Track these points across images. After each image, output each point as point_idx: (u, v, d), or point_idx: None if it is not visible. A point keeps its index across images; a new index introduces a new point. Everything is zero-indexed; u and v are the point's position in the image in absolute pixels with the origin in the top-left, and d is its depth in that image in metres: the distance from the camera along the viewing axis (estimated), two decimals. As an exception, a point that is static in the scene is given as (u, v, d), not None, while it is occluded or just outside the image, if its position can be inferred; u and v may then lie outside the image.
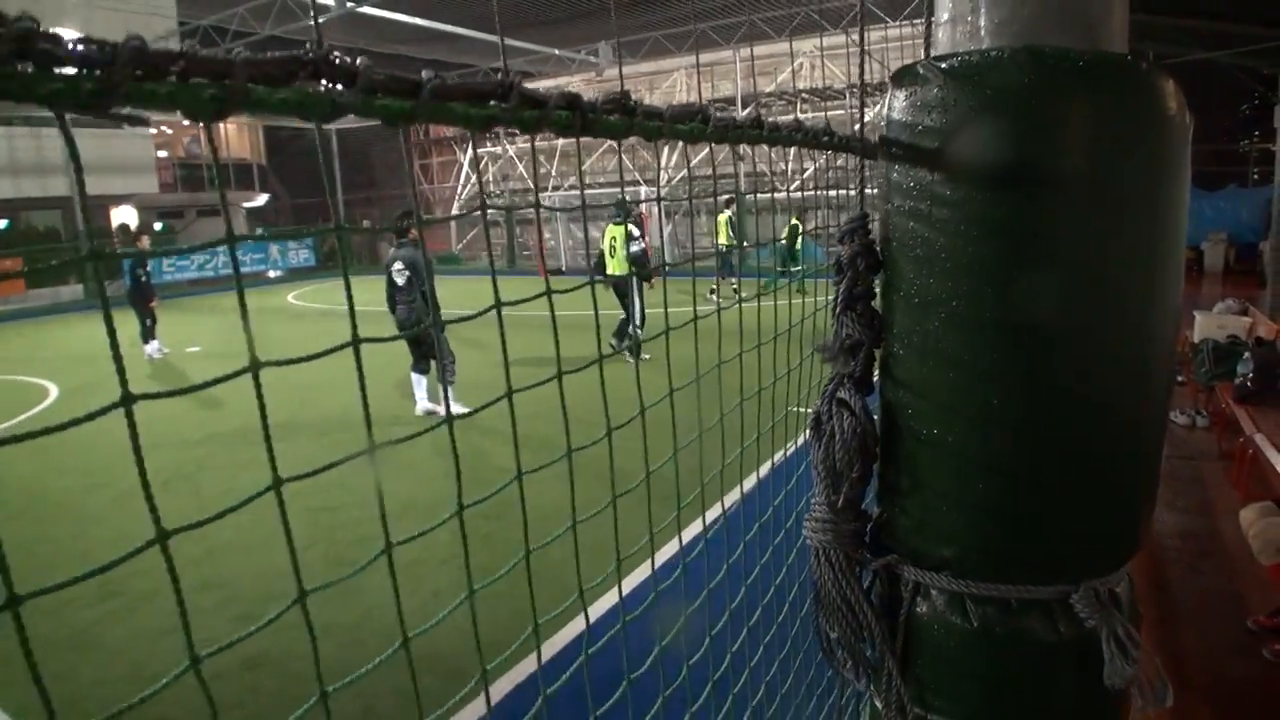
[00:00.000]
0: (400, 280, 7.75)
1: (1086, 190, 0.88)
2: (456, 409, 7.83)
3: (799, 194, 20.30)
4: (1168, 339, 0.97)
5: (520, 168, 28.92)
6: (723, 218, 15.15)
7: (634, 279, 9.37)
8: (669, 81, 26.04)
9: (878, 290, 1.07)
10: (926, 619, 1.03)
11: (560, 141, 27.60)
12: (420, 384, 8.04)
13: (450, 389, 7.82)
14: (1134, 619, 1.02)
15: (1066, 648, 0.98)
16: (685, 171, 25.19)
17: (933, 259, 0.94)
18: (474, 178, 30.34)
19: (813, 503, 1.08)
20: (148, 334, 12.20)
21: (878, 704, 1.11)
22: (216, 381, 0.68)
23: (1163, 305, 0.94)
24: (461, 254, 30.76)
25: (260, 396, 0.68)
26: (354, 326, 0.75)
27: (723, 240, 14.49)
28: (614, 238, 10.13)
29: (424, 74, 0.58)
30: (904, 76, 0.97)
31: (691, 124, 0.98)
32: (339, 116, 0.55)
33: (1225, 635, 3.62)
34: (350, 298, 0.75)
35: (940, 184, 0.92)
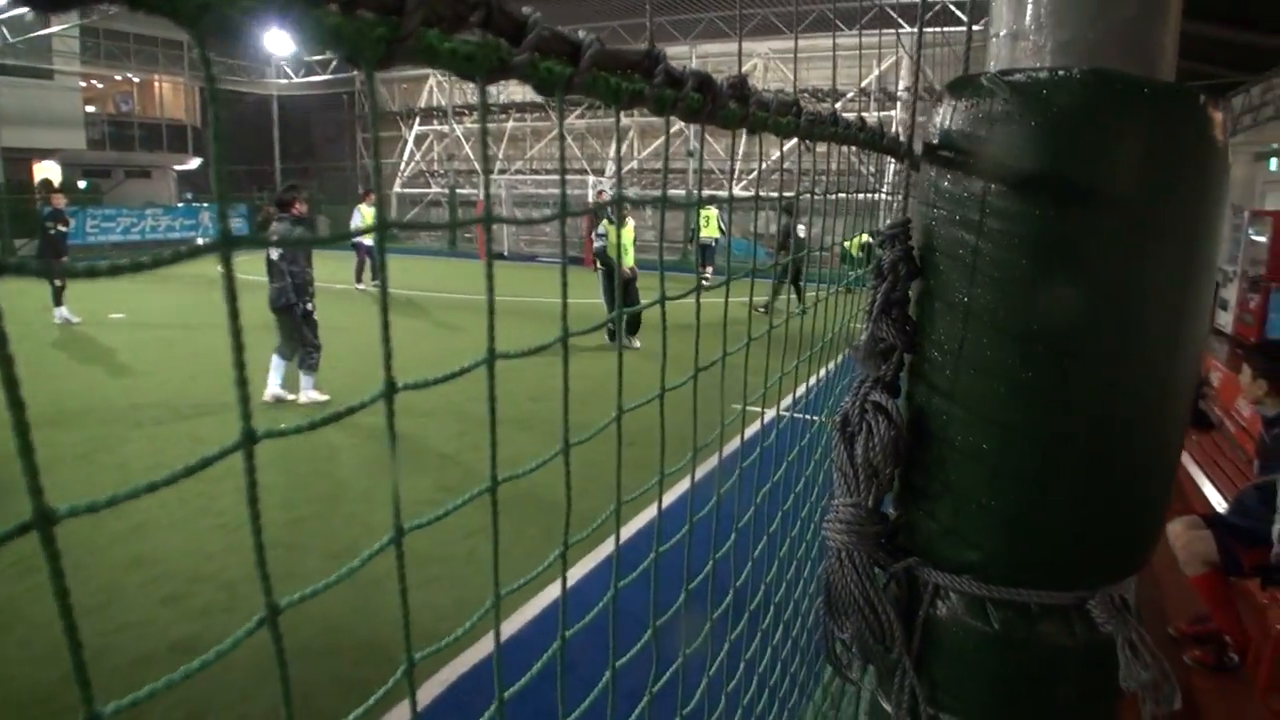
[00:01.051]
0: (274, 256, 7.25)
1: (1135, 215, 0.91)
2: (314, 396, 7.62)
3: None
4: (1193, 362, 1.01)
5: (466, 148, 28.51)
6: (713, 211, 15.30)
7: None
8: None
9: (912, 295, 1.08)
10: (945, 621, 1.05)
11: (509, 124, 27.31)
12: (279, 368, 7.64)
13: (309, 377, 7.56)
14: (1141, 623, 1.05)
15: (1080, 652, 1.01)
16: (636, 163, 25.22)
17: (978, 269, 0.96)
18: (417, 154, 29.80)
19: (835, 504, 1.09)
20: (57, 296, 11.47)
21: (885, 705, 1.13)
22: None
23: (1192, 331, 0.98)
24: (401, 234, 30.22)
25: (241, 366, 0.65)
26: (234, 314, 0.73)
27: (714, 233, 14.55)
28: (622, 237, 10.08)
29: (582, 36, 0.55)
30: (964, 87, 0.99)
31: (787, 118, 0.97)
32: (502, 78, 0.50)
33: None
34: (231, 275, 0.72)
35: (994, 196, 0.94)
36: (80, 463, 5.93)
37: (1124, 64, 0.92)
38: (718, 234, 16.18)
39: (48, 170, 23.74)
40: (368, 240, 18.99)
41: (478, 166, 27.58)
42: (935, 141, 1.01)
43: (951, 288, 1.00)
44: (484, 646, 3.72)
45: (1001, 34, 1.00)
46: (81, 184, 24.84)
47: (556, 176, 24.00)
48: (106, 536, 4.75)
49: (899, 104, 22.49)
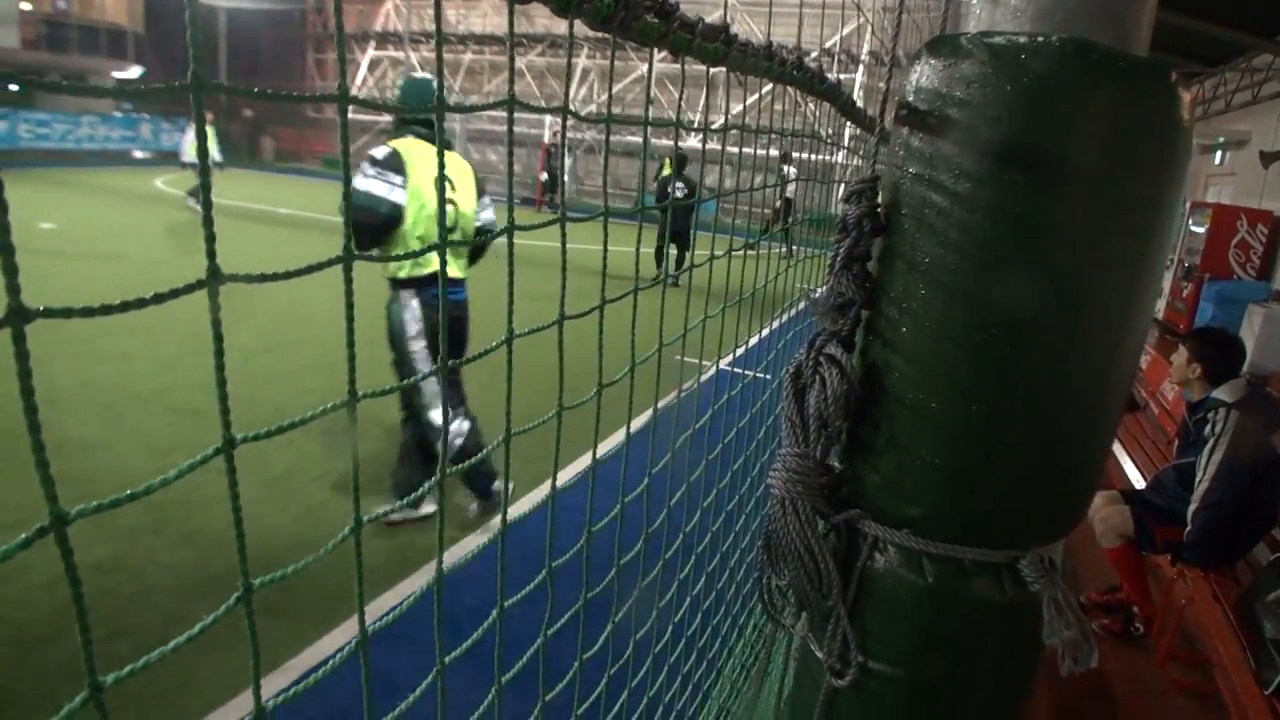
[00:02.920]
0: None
1: (1100, 187, 0.92)
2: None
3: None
4: (1139, 337, 1.03)
5: (423, 74, 27.71)
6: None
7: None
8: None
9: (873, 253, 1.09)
10: (881, 573, 1.08)
11: (467, 57, 26.62)
12: None
13: None
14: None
15: (1008, 608, 1.05)
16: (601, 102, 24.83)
17: (941, 230, 0.97)
18: (370, 80, 28.93)
19: (781, 453, 1.10)
20: None
21: (816, 651, 1.16)
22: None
23: (1140, 307, 1.00)
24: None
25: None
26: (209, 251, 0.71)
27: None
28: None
29: None
30: (942, 46, 0.98)
31: (715, 44, 0.97)
32: None
33: (1060, 608, 3.96)
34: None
35: (963, 158, 0.94)
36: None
37: (1101, 36, 0.92)
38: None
39: (-25, 67, 22.47)
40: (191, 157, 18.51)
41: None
42: (909, 99, 1.01)
43: (914, 247, 1.00)
44: (420, 578, 3.71)
45: (982, -5, 1.00)
46: (12, 85, 23.61)
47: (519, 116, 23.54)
48: (26, 454, 4.62)
49: (860, 67, 22.47)
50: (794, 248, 3.93)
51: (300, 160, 28.43)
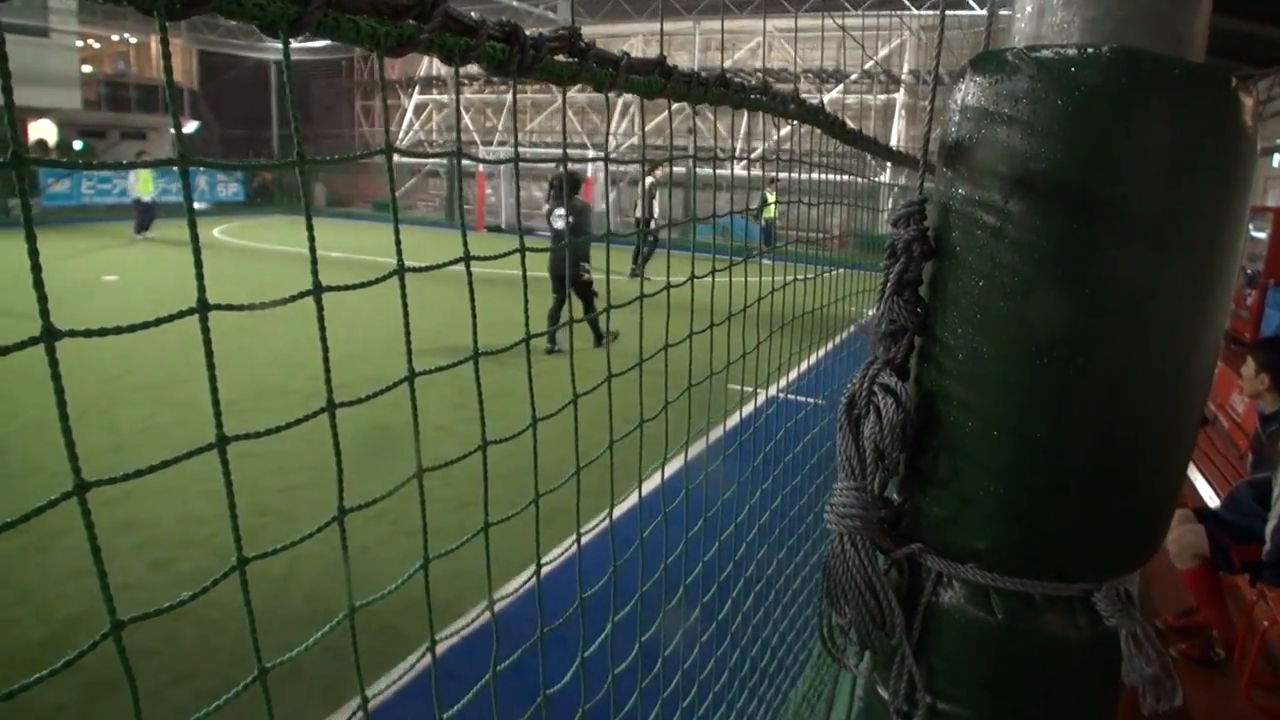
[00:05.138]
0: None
1: (1160, 203, 0.88)
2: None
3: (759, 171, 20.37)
4: (1211, 354, 0.98)
5: (467, 118, 28.27)
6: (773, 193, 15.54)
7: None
8: (625, 45, 25.74)
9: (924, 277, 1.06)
10: (947, 609, 1.04)
11: (508, 96, 27.06)
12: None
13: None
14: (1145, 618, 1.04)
15: (1083, 644, 0.99)
16: (636, 138, 25.01)
17: (996, 251, 0.94)
18: (416, 124, 29.56)
19: (838, 487, 1.07)
20: None
21: (881, 692, 1.12)
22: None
23: (1209, 322, 0.96)
24: (402, 205, 30.02)
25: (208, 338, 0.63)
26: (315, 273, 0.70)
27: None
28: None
29: None
30: (987, 63, 0.96)
31: (650, 77, 0.95)
32: (202, 10, 0.50)
33: (1136, 634, 3.80)
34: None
35: (1015, 176, 0.91)
36: (73, 423, 5.90)
37: (1153, 43, 0.89)
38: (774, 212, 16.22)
39: (43, 130, 23.50)
40: (145, 197, 19.08)
41: (477, 138, 27.37)
42: (955, 118, 0.98)
43: (967, 270, 0.97)
44: (473, 617, 3.70)
45: (1027, 10, 0.97)
46: (77, 144, 24.65)
47: (556, 150, 23.80)
48: (97, 499, 4.74)
49: (901, 87, 22.34)
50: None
51: (351, 204, 29.11)
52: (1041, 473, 0.96)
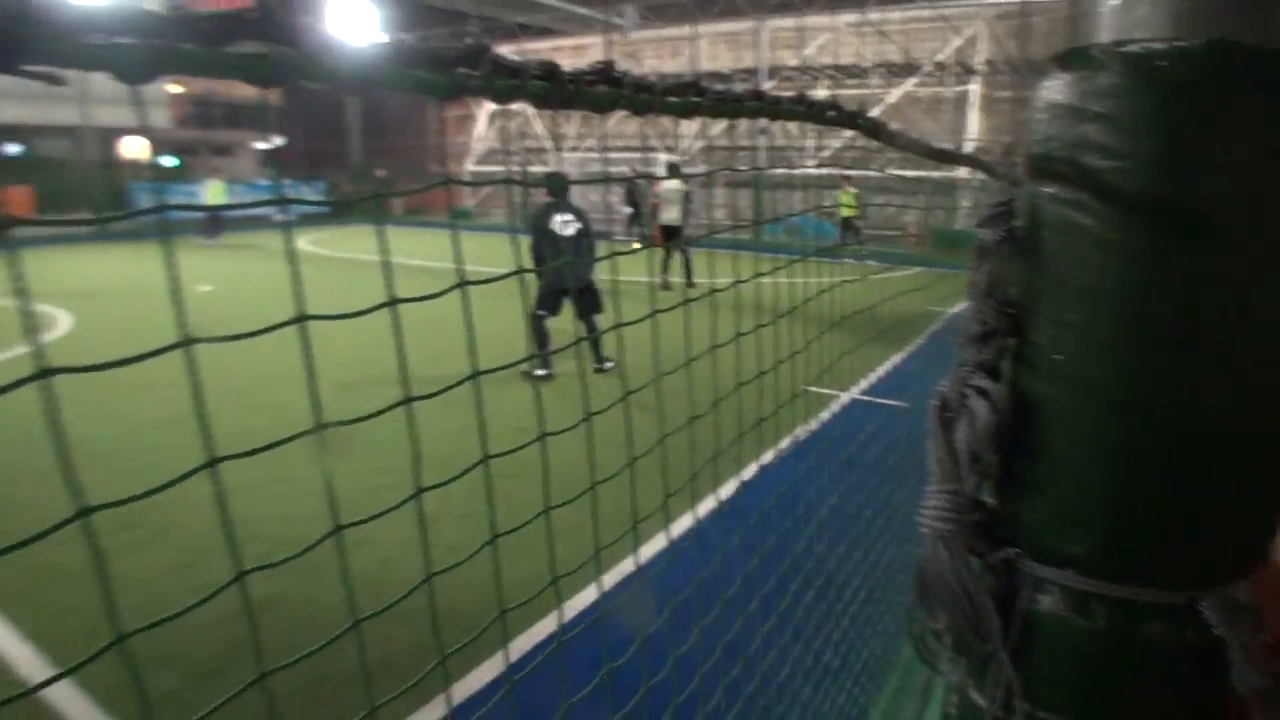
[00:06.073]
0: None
1: (1263, 196, 0.85)
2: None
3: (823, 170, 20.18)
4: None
5: (537, 126, 28.60)
6: (852, 191, 15.56)
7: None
8: (691, 48, 25.70)
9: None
10: (1045, 615, 1.02)
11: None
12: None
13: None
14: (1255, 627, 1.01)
15: (1189, 653, 0.97)
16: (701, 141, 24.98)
17: (1089, 250, 0.92)
18: (490, 133, 30.04)
19: (930, 490, 1.06)
20: None
21: (977, 699, 1.10)
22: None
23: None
24: (474, 210, 30.58)
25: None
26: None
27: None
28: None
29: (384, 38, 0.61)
30: (1073, 59, 0.94)
31: (685, 99, 0.97)
32: (287, 80, 0.55)
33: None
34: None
35: (1104, 173, 0.89)
36: (170, 429, 6.19)
37: (1247, 34, 0.86)
38: (854, 209, 16.07)
39: (134, 147, 24.72)
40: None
41: (548, 145, 27.68)
42: (1041, 116, 0.97)
43: (1059, 268, 0.96)
44: (554, 620, 3.76)
45: (1112, 2, 0.95)
46: (170, 160, 25.86)
47: (627, 154, 23.92)
48: (196, 498, 4.97)
49: (978, 79, 21.76)
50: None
51: (427, 214, 29.76)
52: (1142, 476, 0.94)
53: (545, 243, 7.65)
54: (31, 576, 4.05)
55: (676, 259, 13.02)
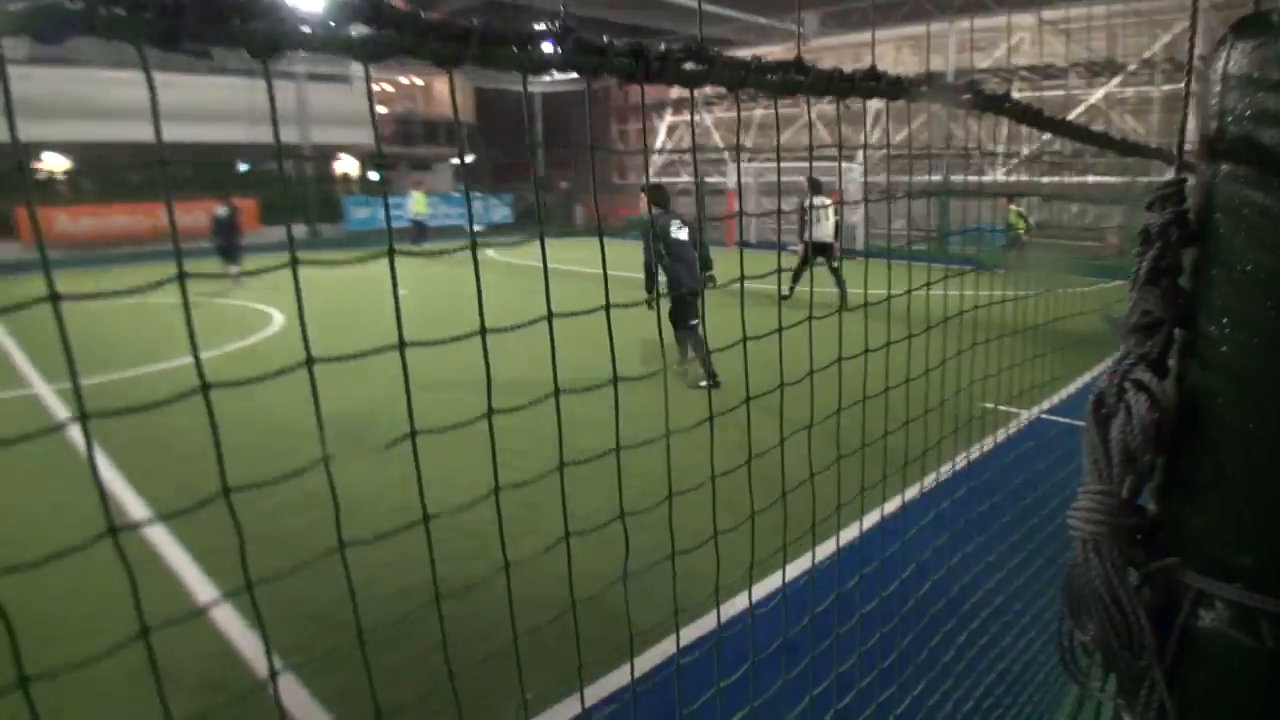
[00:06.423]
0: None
1: None
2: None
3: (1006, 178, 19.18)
4: None
5: (716, 137, 28.81)
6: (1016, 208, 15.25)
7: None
8: (875, 52, 25.03)
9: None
10: (1206, 633, 0.93)
11: (759, 113, 27.26)
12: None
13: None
14: None
15: (1378, 684, 0.86)
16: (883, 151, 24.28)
17: (1270, 233, 0.84)
18: (669, 144, 30.53)
19: (1084, 491, 1.00)
20: None
21: (1128, 719, 1.02)
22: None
23: None
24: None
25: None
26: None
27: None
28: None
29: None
30: (1251, 26, 0.86)
31: (778, 75, 0.95)
32: (389, 56, 0.65)
33: None
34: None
35: (1291, 148, 0.81)
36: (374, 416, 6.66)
37: None
38: (1022, 226, 15.47)
39: (345, 164, 27.06)
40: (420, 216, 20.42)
41: (726, 155, 27.80)
42: (1216, 89, 0.89)
43: (1235, 254, 0.88)
44: (709, 621, 3.76)
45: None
46: (374, 175, 28.08)
47: (803, 164, 23.61)
48: (379, 485, 5.33)
49: (1192, 75, 19.91)
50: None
51: (608, 224, 30.64)
52: (1326, 483, 0.84)
53: (668, 249, 7.96)
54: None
55: (820, 275, 12.68)
